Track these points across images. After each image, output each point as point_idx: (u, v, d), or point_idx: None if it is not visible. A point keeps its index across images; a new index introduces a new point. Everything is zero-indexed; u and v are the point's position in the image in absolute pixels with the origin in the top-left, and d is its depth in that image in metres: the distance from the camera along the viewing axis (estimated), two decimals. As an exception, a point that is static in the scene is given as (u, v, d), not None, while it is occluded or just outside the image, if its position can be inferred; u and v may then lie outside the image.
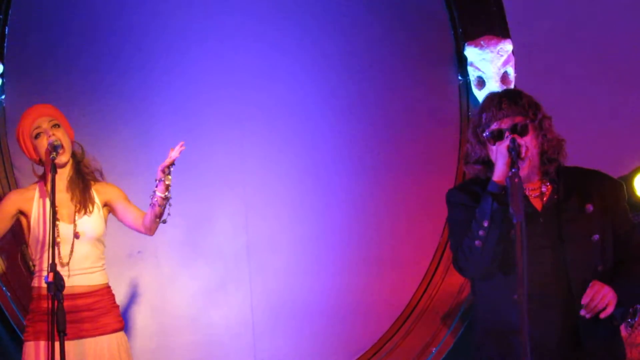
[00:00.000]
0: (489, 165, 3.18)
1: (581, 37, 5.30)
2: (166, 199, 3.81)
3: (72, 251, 3.81)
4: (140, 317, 4.93)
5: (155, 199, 3.81)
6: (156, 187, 3.81)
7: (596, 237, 3.09)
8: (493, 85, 5.18)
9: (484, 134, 3.13)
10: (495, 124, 3.09)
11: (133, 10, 5.15)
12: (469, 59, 5.30)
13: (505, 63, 5.24)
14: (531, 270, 2.89)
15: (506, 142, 3.01)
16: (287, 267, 5.12)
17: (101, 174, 4.08)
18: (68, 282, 3.65)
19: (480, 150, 3.19)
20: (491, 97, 3.19)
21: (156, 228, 3.99)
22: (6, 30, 5.03)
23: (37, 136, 3.90)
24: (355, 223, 5.22)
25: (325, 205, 5.21)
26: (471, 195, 3.18)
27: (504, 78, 5.22)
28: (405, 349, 5.10)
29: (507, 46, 5.25)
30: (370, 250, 5.20)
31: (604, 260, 3.11)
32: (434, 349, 5.01)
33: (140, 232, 4.04)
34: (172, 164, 3.75)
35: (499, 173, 3.04)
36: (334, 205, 5.22)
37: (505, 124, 3.08)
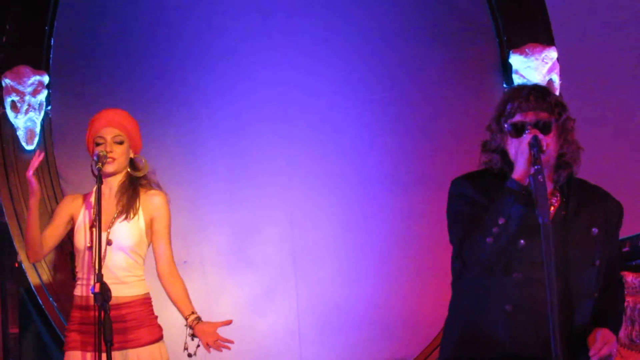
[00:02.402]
0: (504, 156, 3.05)
1: (627, 44, 5.28)
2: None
3: (103, 258, 3.67)
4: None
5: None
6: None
7: (597, 262, 3.00)
8: (538, 93, 5.17)
9: (506, 125, 3.01)
10: (519, 115, 2.97)
11: (179, 20, 5.18)
12: (514, 67, 5.31)
13: (550, 70, 5.24)
14: (528, 283, 2.85)
15: (527, 138, 2.90)
16: (332, 276, 5.12)
17: (158, 186, 4.04)
18: None
19: (500, 139, 3.06)
20: (519, 88, 3.08)
21: None
22: (52, 41, 5.06)
23: (97, 144, 3.89)
24: (399, 233, 5.22)
25: (369, 214, 5.21)
26: (478, 189, 3.06)
27: (549, 85, 5.20)
28: None
29: (552, 53, 5.25)
30: (414, 260, 5.20)
31: (598, 284, 3.03)
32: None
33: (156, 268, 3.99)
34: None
35: (520, 171, 2.91)
36: (378, 215, 5.22)
37: (530, 118, 2.95)
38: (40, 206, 3.85)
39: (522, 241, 2.92)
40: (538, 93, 3.01)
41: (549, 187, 3.02)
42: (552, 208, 3.01)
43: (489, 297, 2.98)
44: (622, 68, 5.29)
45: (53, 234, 3.90)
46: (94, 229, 3.75)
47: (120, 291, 3.77)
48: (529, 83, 3.20)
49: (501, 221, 2.90)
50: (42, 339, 4.84)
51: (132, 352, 3.78)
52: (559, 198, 3.05)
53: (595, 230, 3.01)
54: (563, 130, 3.00)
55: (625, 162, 5.12)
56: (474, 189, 3.07)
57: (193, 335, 3.81)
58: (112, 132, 3.87)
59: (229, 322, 3.82)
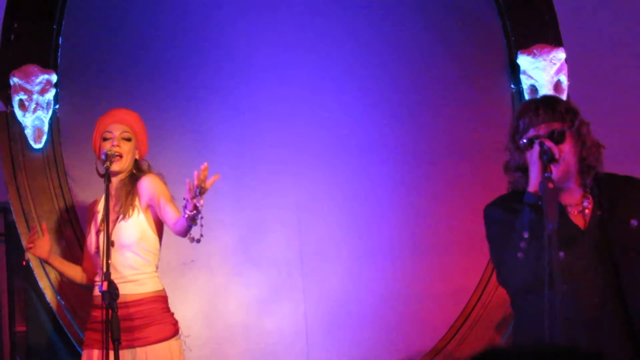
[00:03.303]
0: (527, 172, 3.09)
1: (636, 43, 5.27)
2: (193, 218, 3.58)
3: (107, 259, 3.64)
4: (194, 325, 4.90)
5: (185, 215, 3.60)
6: (184, 206, 3.59)
7: None
8: (546, 94, 5.16)
9: (521, 142, 3.07)
10: (532, 130, 3.03)
11: (187, 19, 5.19)
12: (522, 68, 5.30)
13: (559, 71, 5.22)
14: (582, 294, 2.88)
15: (536, 149, 2.96)
16: (340, 276, 5.11)
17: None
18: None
19: (519, 157, 3.12)
20: (528, 103, 3.15)
21: (185, 233, 3.77)
22: (60, 40, 5.06)
23: (104, 139, 3.90)
24: (407, 232, 5.21)
25: (377, 213, 5.20)
26: (508, 210, 3.12)
27: (557, 86, 5.21)
28: (459, 358, 5.08)
29: (560, 54, 5.24)
30: (423, 258, 5.18)
31: None
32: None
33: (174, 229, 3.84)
34: (203, 189, 3.52)
35: (533, 182, 2.97)
36: (386, 214, 5.21)
37: (543, 130, 3.01)
38: (60, 258, 3.93)
39: (561, 253, 2.92)
40: (547, 105, 3.06)
41: (579, 193, 3.08)
42: (586, 214, 3.05)
43: (543, 312, 2.92)
44: (631, 68, 5.28)
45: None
46: (100, 233, 3.78)
47: (129, 289, 3.78)
48: (537, 97, 3.24)
49: (526, 234, 2.95)
50: (50, 337, 4.85)
51: (140, 351, 3.78)
52: (590, 200, 3.07)
53: (634, 222, 3.02)
54: (579, 135, 3.03)
55: (635, 162, 5.11)
56: (504, 211, 3.13)
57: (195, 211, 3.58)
58: (121, 128, 3.91)
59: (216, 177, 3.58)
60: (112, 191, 3.85)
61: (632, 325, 2.97)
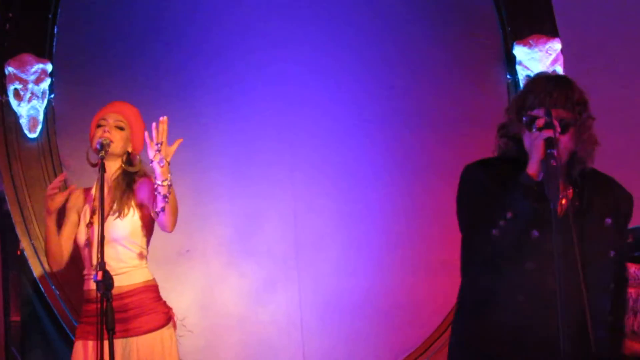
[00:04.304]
0: (520, 144, 2.97)
1: (632, 35, 5.27)
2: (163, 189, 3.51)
3: (92, 253, 3.65)
4: (189, 315, 4.88)
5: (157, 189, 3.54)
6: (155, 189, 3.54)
7: (612, 253, 2.97)
8: (542, 84, 5.17)
9: (524, 118, 2.93)
10: (538, 110, 2.89)
11: (183, 10, 5.18)
12: (518, 58, 5.31)
13: (554, 62, 5.24)
14: (547, 276, 2.79)
15: (544, 136, 2.81)
16: (335, 266, 5.13)
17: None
18: None
19: (517, 127, 2.98)
20: (544, 79, 2.97)
21: (169, 222, 3.68)
22: (55, 29, 5.05)
23: (98, 126, 3.90)
24: (403, 223, 5.21)
25: (373, 204, 5.22)
26: (492, 175, 2.98)
27: (553, 77, 5.21)
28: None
29: (556, 45, 5.25)
30: (418, 250, 5.20)
31: (614, 277, 3.00)
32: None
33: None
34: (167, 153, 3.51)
35: (534, 166, 2.84)
36: (380, 206, 5.22)
37: (550, 115, 2.86)
38: (57, 220, 3.85)
39: (535, 232, 2.88)
40: (562, 89, 2.92)
41: (562, 182, 2.95)
42: (564, 200, 2.94)
43: (500, 286, 2.93)
44: (627, 59, 5.27)
45: (70, 236, 3.89)
46: (91, 225, 3.76)
47: (119, 281, 3.75)
48: (554, 74, 3.08)
49: (509, 215, 2.85)
50: (44, 327, 4.85)
51: (132, 341, 3.77)
52: (572, 190, 3.00)
53: (608, 220, 2.97)
54: (581, 129, 2.93)
55: (629, 154, 5.11)
56: (487, 175, 3.00)
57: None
58: (116, 117, 3.89)
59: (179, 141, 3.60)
60: (106, 184, 3.83)
61: (584, 315, 2.83)
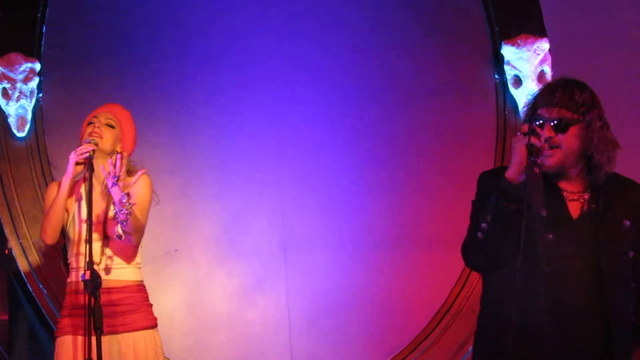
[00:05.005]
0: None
1: (620, 35, 5.26)
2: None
3: (90, 247, 3.61)
4: (177, 314, 4.96)
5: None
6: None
7: (631, 253, 2.97)
8: (530, 84, 5.18)
9: (525, 117, 3.01)
10: (540, 110, 2.95)
11: (173, 6, 5.19)
12: (506, 58, 5.31)
13: (542, 62, 5.24)
14: (564, 280, 2.84)
15: (525, 140, 2.84)
16: (323, 265, 5.13)
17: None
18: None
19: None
20: (552, 82, 3.05)
21: (133, 237, 3.80)
22: (44, 28, 5.05)
23: (89, 123, 3.92)
24: (392, 222, 5.22)
25: (361, 205, 5.21)
26: (493, 184, 2.98)
27: (541, 77, 5.22)
28: (442, 348, 5.10)
29: (544, 45, 5.25)
30: (407, 249, 5.20)
31: (635, 277, 2.99)
32: (471, 347, 4.99)
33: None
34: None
35: (512, 170, 2.87)
36: (370, 204, 5.22)
37: (548, 114, 2.92)
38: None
39: (550, 235, 2.90)
40: (565, 90, 2.95)
41: (581, 184, 3.02)
42: (578, 204, 2.98)
43: (518, 290, 2.89)
44: (615, 59, 5.26)
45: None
46: (86, 223, 3.75)
47: (111, 275, 3.78)
48: (565, 78, 3.09)
49: (489, 217, 2.89)
50: (32, 326, 4.85)
51: (127, 336, 3.78)
52: (590, 193, 3.01)
53: (627, 222, 2.98)
54: (590, 131, 2.94)
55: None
56: (489, 183, 3.03)
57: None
58: (107, 115, 3.93)
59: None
60: (96, 183, 3.83)
61: (606, 322, 2.94)
